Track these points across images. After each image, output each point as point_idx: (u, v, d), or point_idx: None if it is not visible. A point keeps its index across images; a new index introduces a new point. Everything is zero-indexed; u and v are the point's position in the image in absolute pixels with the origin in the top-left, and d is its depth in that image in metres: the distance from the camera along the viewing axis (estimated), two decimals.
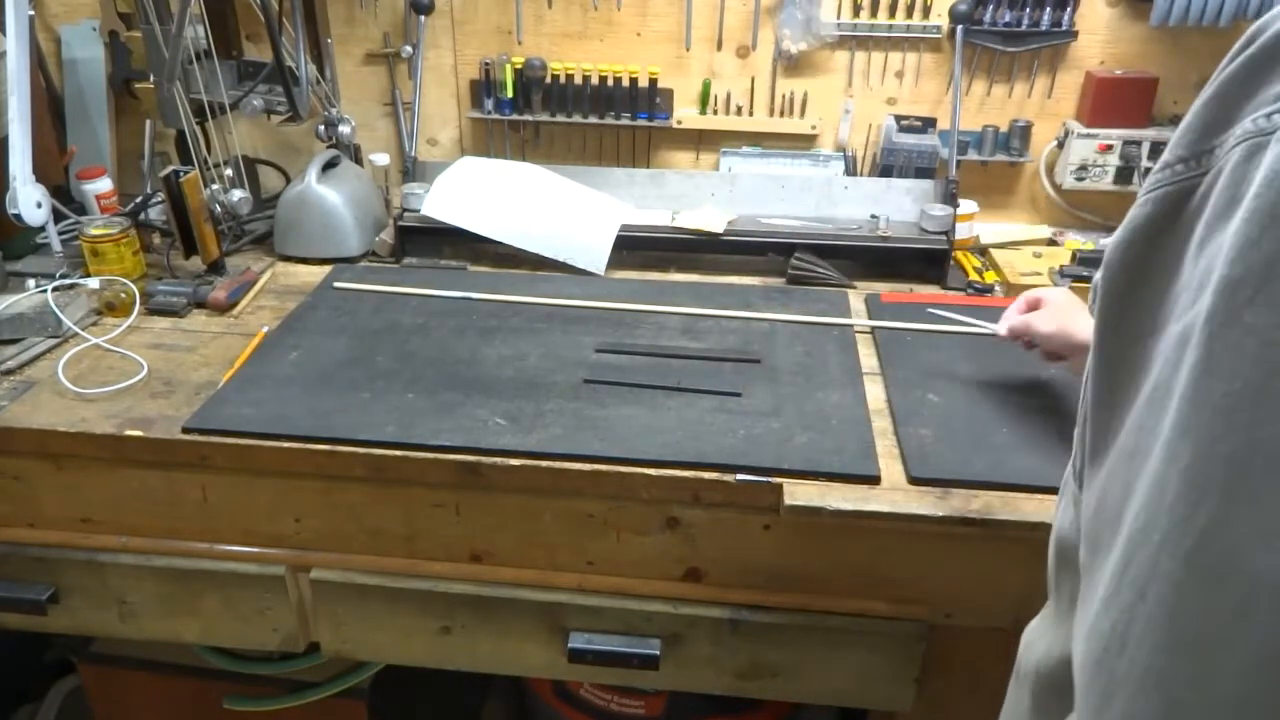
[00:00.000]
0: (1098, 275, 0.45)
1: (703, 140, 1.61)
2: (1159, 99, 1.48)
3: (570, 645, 1.05)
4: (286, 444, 1.01)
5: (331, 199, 1.43)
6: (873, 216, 1.45)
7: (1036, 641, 0.55)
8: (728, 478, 0.97)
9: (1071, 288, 1.25)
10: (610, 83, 1.54)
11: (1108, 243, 0.44)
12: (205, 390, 1.10)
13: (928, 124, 1.51)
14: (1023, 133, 1.53)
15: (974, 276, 1.42)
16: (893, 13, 1.48)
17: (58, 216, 1.38)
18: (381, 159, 1.57)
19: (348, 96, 1.63)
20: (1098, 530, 0.42)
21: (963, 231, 1.46)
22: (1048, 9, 1.45)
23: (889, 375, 1.14)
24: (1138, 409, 0.41)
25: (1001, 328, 1.05)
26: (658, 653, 1.05)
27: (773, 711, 1.51)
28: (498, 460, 0.99)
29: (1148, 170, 1.14)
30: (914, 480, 0.96)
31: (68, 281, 1.28)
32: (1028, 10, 1.45)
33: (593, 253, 1.41)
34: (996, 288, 1.40)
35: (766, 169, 1.57)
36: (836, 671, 1.05)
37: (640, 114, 1.56)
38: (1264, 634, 0.33)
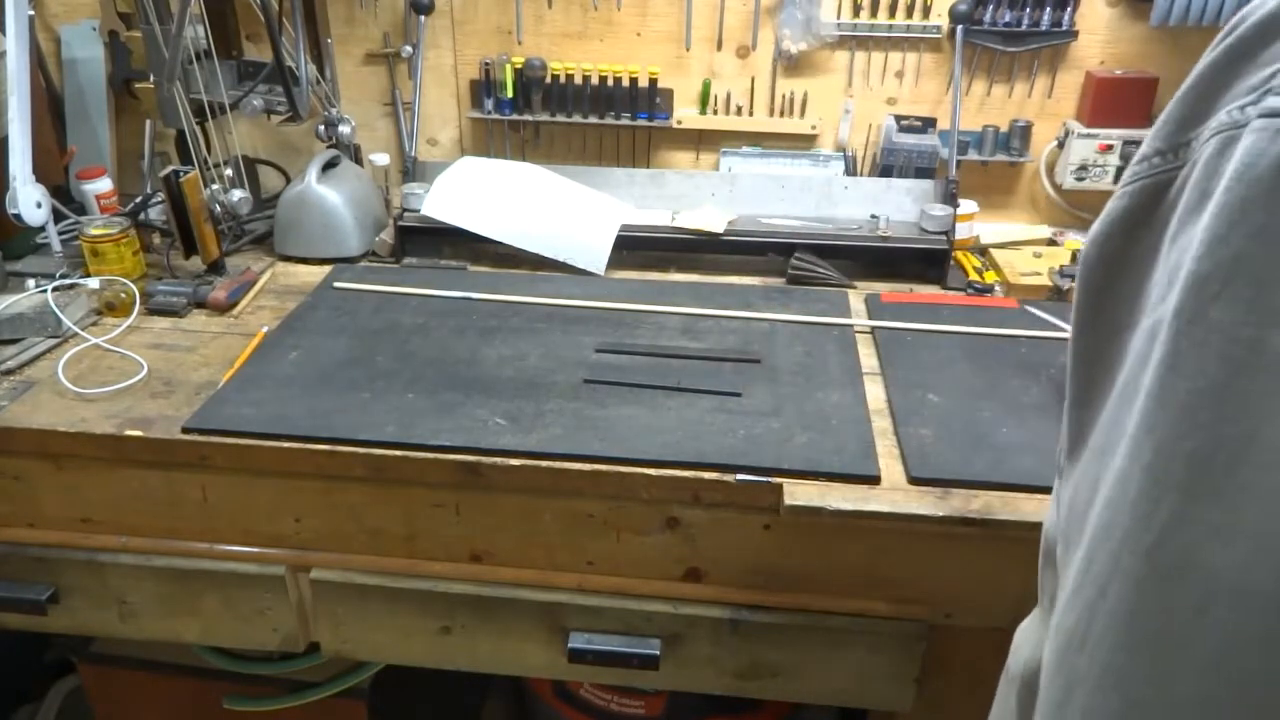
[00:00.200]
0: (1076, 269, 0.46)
1: (703, 140, 1.61)
2: (1159, 99, 1.48)
3: (570, 645, 1.05)
4: (286, 444, 1.01)
5: (331, 199, 1.43)
6: (873, 216, 1.45)
7: (1024, 644, 0.55)
8: (728, 478, 0.97)
9: (1071, 288, 1.25)
10: (610, 83, 1.54)
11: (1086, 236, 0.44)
12: (205, 390, 1.10)
13: (928, 124, 1.51)
14: (1023, 133, 1.53)
15: (974, 276, 1.42)
16: (893, 13, 1.48)
17: (58, 216, 1.38)
18: (381, 159, 1.57)
19: (348, 96, 1.63)
20: (1071, 527, 0.42)
21: (963, 231, 1.46)
22: (1048, 9, 1.45)
23: (889, 375, 1.14)
24: (1110, 405, 0.41)
25: None
26: (658, 653, 1.05)
27: (773, 711, 1.51)
28: (498, 460, 0.99)
29: None
30: (914, 480, 0.96)
31: (68, 281, 1.28)
32: (1028, 10, 1.45)
33: (593, 253, 1.41)
34: (996, 288, 1.40)
35: (766, 169, 1.57)
36: (836, 671, 1.05)
37: (640, 114, 1.56)
38: (1222, 631, 0.33)
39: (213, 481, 1.06)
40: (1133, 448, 0.37)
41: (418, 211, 1.43)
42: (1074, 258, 1.42)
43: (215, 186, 1.44)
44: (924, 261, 1.41)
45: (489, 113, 1.59)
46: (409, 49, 1.57)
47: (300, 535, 1.08)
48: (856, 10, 1.49)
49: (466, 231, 1.41)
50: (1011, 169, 1.58)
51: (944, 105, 1.53)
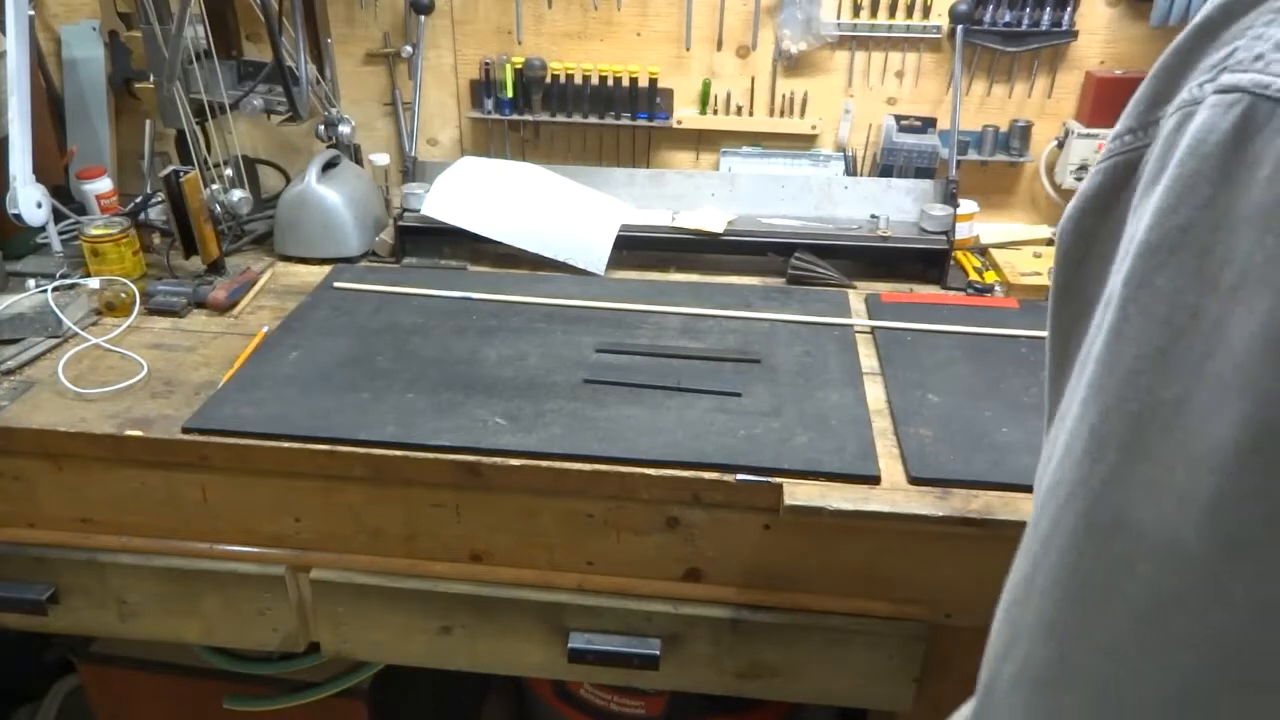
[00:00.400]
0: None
1: (703, 140, 1.61)
2: None
3: (570, 645, 1.05)
4: (286, 444, 1.01)
5: (331, 199, 1.43)
6: (873, 216, 1.45)
7: None
8: (728, 478, 0.97)
9: None
10: (610, 83, 1.54)
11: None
12: (205, 390, 1.10)
13: (928, 124, 1.51)
14: (1023, 133, 1.53)
15: (974, 276, 1.42)
16: (893, 13, 1.48)
17: (58, 216, 1.38)
18: (381, 159, 1.57)
19: (348, 96, 1.63)
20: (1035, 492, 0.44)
21: (963, 231, 1.46)
22: (1048, 9, 1.45)
23: (889, 375, 1.14)
24: (1073, 374, 0.42)
25: None
26: (658, 653, 1.05)
27: (773, 711, 1.51)
28: (498, 460, 0.99)
29: None
30: (914, 480, 0.96)
31: (68, 281, 1.28)
32: (1028, 10, 1.45)
33: (593, 253, 1.41)
34: (996, 288, 1.40)
35: (766, 169, 1.57)
36: (836, 671, 1.05)
37: (640, 114, 1.56)
38: (1145, 587, 0.35)
39: (213, 481, 1.06)
40: (1081, 410, 0.38)
41: (418, 211, 1.43)
42: None
43: (215, 186, 1.44)
44: (924, 261, 1.41)
45: (489, 113, 1.59)
46: (409, 49, 1.57)
47: (300, 535, 1.08)
48: (856, 10, 1.49)
49: (466, 231, 1.41)
50: (1011, 169, 1.58)
51: (944, 105, 1.53)
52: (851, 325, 1.26)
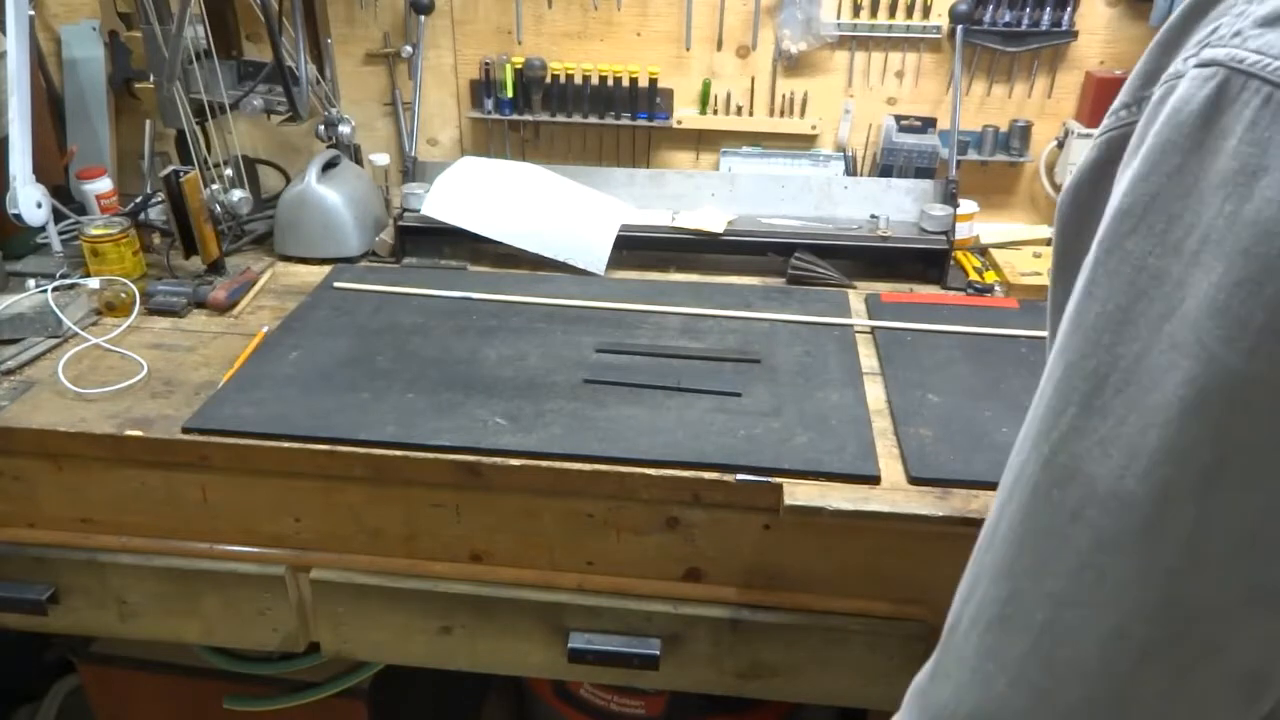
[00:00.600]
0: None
1: (703, 140, 1.61)
2: None
3: (570, 645, 1.05)
4: (286, 444, 1.01)
5: (331, 199, 1.43)
6: (873, 216, 1.45)
7: None
8: (728, 478, 0.97)
9: None
10: (610, 83, 1.54)
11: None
12: (205, 390, 1.10)
13: (928, 124, 1.51)
14: (1023, 133, 1.53)
15: (974, 276, 1.42)
16: (893, 13, 1.48)
17: (58, 216, 1.38)
18: (381, 159, 1.57)
19: (348, 96, 1.63)
20: None
21: (963, 231, 1.46)
22: (1048, 9, 1.45)
23: (889, 375, 1.14)
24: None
25: None
26: (658, 653, 1.05)
27: (773, 711, 1.51)
28: (498, 460, 0.99)
29: None
30: (914, 480, 0.96)
31: (68, 281, 1.28)
32: (1028, 10, 1.45)
33: (593, 253, 1.41)
34: (996, 288, 1.40)
35: (766, 169, 1.57)
36: (836, 671, 1.05)
37: (640, 114, 1.56)
38: (1090, 534, 0.37)
39: (213, 481, 1.06)
40: (1050, 366, 0.40)
41: (418, 211, 1.43)
42: None
43: (215, 186, 1.44)
44: (924, 261, 1.41)
45: (489, 113, 1.59)
46: (409, 49, 1.57)
47: (300, 535, 1.08)
48: (856, 10, 1.49)
49: (466, 231, 1.41)
50: (1011, 169, 1.58)
51: (944, 105, 1.53)
52: (851, 325, 1.26)
